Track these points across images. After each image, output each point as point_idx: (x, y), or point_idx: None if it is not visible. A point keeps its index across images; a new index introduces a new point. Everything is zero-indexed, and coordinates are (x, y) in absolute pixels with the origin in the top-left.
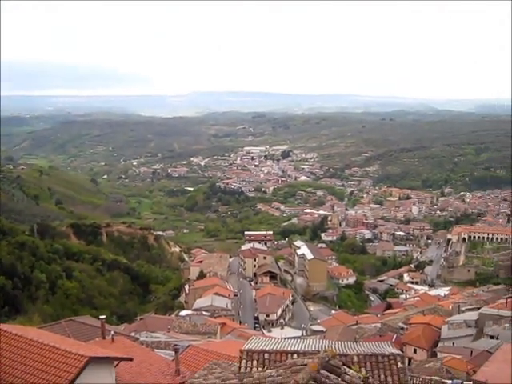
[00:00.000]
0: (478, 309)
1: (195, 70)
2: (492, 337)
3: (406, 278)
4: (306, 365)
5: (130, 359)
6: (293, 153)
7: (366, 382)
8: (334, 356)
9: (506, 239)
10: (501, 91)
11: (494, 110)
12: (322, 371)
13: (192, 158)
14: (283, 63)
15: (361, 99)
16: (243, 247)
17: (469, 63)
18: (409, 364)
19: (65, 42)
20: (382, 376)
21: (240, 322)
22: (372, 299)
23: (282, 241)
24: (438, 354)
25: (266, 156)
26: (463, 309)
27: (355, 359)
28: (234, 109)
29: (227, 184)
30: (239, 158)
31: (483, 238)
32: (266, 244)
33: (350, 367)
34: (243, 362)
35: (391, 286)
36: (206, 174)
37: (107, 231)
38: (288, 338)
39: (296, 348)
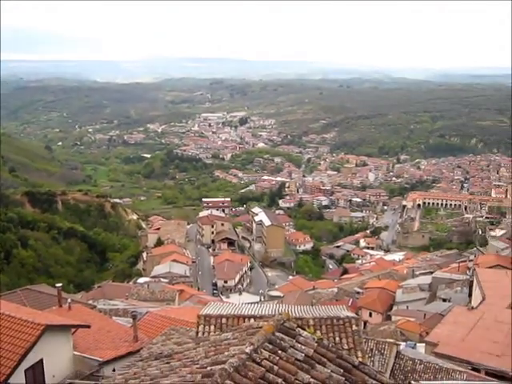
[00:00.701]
0: (432, 273)
1: (151, 35)
2: (444, 300)
3: (362, 243)
4: (261, 327)
5: (88, 326)
6: (250, 119)
7: (321, 344)
8: (289, 319)
9: (460, 205)
10: (457, 60)
11: (450, 78)
12: (276, 333)
13: (149, 125)
14: (241, 29)
15: (319, 66)
16: (201, 214)
17: (424, 32)
18: (364, 327)
19: (15, 4)
20: (337, 338)
21: (198, 289)
22: (329, 265)
23: (240, 208)
24: (393, 317)
25: (223, 123)
26: (417, 273)
27: (311, 322)
28: (191, 75)
29: (184, 151)
30: (197, 125)
31: (437, 204)
32: (223, 211)
33: (304, 329)
34: (201, 327)
35: (347, 251)
36: (163, 141)
37: (63, 199)
38: (246, 304)
39: (253, 312)
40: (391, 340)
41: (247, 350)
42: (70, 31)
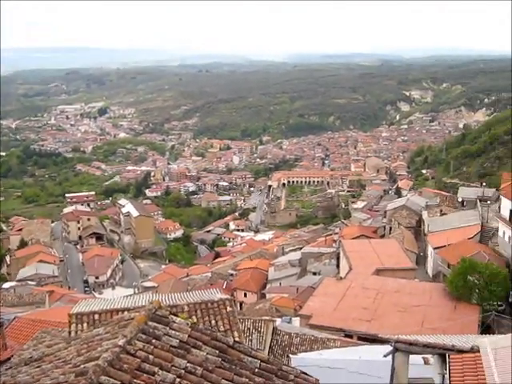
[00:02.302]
0: (301, 249)
1: None
2: (315, 273)
3: (232, 226)
4: (133, 319)
5: None
6: (110, 109)
7: (195, 328)
8: (160, 307)
9: (322, 182)
10: (310, 44)
11: (304, 59)
12: (149, 323)
13: (1, 121)
14: (96, 17)
15: (176, 52)
16: (65, 210)
17: (276, 17)
18: (240, 307)
19: None
20: (213, 321)
21: (69, 288)
22: (201, 250)
23: (106, 200)
24: (267, 295)
25: (81, 114)
26: (287, 250)
27: (185, 308)
28: (44, 66)
29: (42, 146)
30: (53, 118)
31: (301, 182)
32: (89, 205)
33: (177, 316)
34: (73, 325)
35: (218, 235)
36: (18, 137)
37: None
38: (119, 297)
39: (126, 305)
40: (267, 317)
41: (120, 343)
42: None
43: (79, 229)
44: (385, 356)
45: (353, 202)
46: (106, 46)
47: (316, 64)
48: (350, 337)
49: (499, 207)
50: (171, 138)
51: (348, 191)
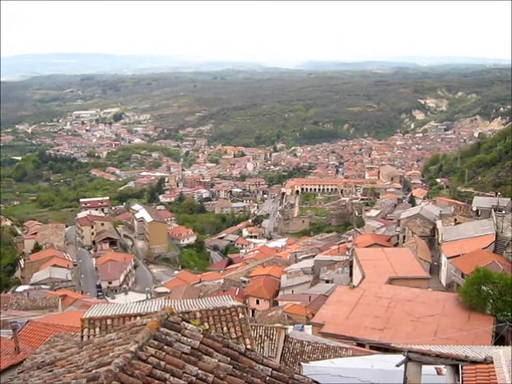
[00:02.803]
0: (314, 256)
1: (14, 32)
2: (327, 281)
3: (245, 232)
4: (145, 325)
5: None
6: (125, 115)
7: (207, 335)
8: (172, 313)
9: (336, 189)
10: (323, 51)
11: (318, 67)
12: (161, 329)
13: (17, 126)
14: (110, 23)
15: (190, 59)
16: (79, 215)
17: (291, 24)
18: (252, 314)
19: None
20: (225, 328)
21: (82, 292)
22: (214, 257)
23: (120, 206)
24: (280, 302)
25: (97, 120)
26: (300, 257)
27: (198, 315)
28: (60, 72)
29: (58, 151)
30: (69, 123)
31: (315, 189)
32: (103, 210)
33: (189, 322)
34: (85, 330)
35: (231, 241)
36: (34, 142)
37: None
38: (132, 303)
39: (139, 311)
40: (279, 325)
41: (132, 349)
42: None
43: (93, 234)
44: (397, 366)
45: (366, 210)
46: (121, 52)
47: (331, 71)
48: (363, 346)
49: None
50: (185, 145)
51: (362, 199)
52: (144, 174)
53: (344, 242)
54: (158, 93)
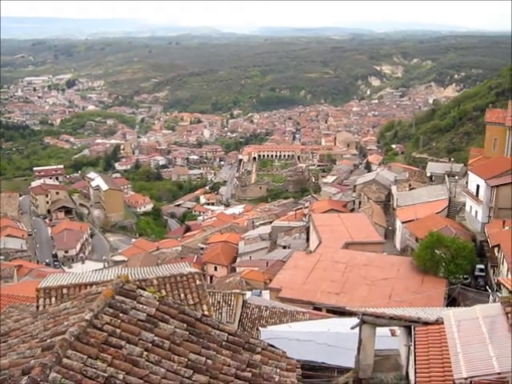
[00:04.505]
0: (271, 223)
1: None
2: (284, 247)
3: (203, 199)
4: (100, 293)
5: None
6: (78, 81)
7: (162, 302)
8: (128, 281)
9: (293, 156)
10: (283, 17)
11: (274, 33)
12: (116, 297)
13: None
14: None
15: (146, 23)
16: (33, 184)
17: None
18: (210, 281)
19: None
20: (182, 295)
21: (38, 262)
22: (171, 224)
23: (75, 174)
24: (237, 268)
25: (49, 86)
26: (257, 224)
27: (155, 282)
28: (9, 36)
29: (9, 118)
30: (20, 90)
31: (272, 156)
32: (57, 179)
33: (145, 290)
34: (41, 300)
35: (188, 209)
36: None
37: None
38: (89, 272)
39: (95, 279)
40: (237, 291)
41: (87, 317)
42: None
43: (48, 203)
44: (352, 328)
45: (323, 177)
46: (74, 16)
47: (287, 37)
48: (319, 310)
49: (467, 182)
50: (141, 111)
51: (318, 165)
52: (99, 141)
53: (301, 208)
54: (112, 58)
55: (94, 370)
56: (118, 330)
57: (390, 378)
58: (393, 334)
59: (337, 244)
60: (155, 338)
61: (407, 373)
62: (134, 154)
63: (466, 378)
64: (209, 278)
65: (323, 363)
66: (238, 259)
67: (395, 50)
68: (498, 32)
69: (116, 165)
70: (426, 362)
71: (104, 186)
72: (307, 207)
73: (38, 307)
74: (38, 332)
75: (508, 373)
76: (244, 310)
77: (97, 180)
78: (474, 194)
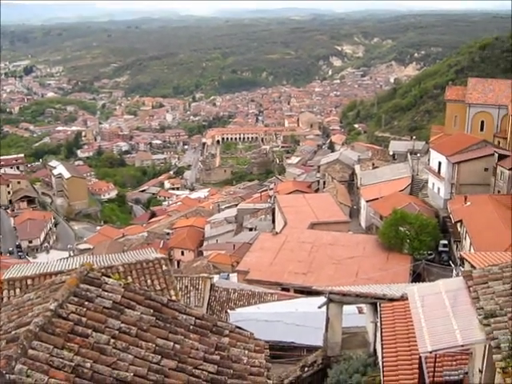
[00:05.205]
0: (236, 205)
1: None
2: (251, 229)
3: (167, 184)
4: (64, 282)
5: None
6: (36, 68)
7: (128, 288)
8: (92, 269)
9: (256, 138)
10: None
11: (234, 14)
12: (81, 285)
13: None
14: None
15: (103, 7)
16: None
17: None
18: (178, 266)
19: None
20: (149, 281)
21: (1, 253)
22: (136, 210)
23: (36, 163)
24: (204, 252)
25: (6, 73)
26: (223, 207)
27: (120, 269)
28: None
29: None
30: None
31: (235, 138)
32: (18, 168)
33: (110, 277)
34: (5, 292)
35: (153, 194)
36: None
37: None
38: (54, 261)
39: (60, 269)
40: (205, 274)
41: (52, 307)
42: None
43: (9, 193)
44: (319, 307)
45: (287, 158)
46: (29, 1)
47: (247, 19)
48: (287, 290)
49: (428, 160)
50: (102, 97)
51: (282, 147)
52: (60, 128)
53: (266, 190)
54: (70, 44)
55: (60, 360)
56: (84, 319)
57: (358, 354)
58: (360, 311)
59: (302, 224)
60: (122, 324)
61: (375, 349)
62: (95, 140)
63: (430, 352)
64: (176, 263)
65: (292, 343)
66: (205, 243)
67: (356, 30)
68: (456, 10)
69: (78, 152)
70: (393, 337)
71: (66, 174)
72: (272, 189)
73: (1, 299)
74: (2, 324)
75: (471, 344)
76: (212, 294)
77: (59, 168)
78: (436, 171)
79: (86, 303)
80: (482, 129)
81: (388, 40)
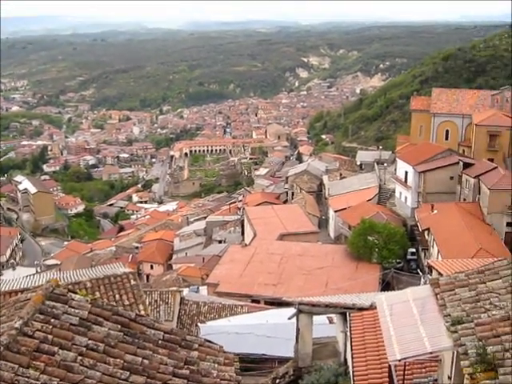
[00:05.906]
0: (205, 218)
1: None
2: (220, 241)
3: (135, 198)
4: (29, 299)
5: None
6: (0, 82)
7: (95, 304)
8: (58, 285)
9: (224, 150)
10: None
11: (200, 27)
12: (47, 302)
13: None
14: None
15: (68, 20)
16: None
17: None
18: (147, 280)
19: None
20: (117, 296)
21: None
22: (104, 224)
23: (1, 178)
24: (174, 265)
25: None
26: (192, 220)
27: (88, 285)
28: None
29: None
30: None
31: (203, 150)
32: None
33: (76, 293)
34: None
35: (121, 208)
36: None
37: None
38: (20, 278)
39: (25, 285)
40: (174, 288)
41: (16, 325)
42: None
43: None
44: (289, 318)
45: (255, 169)
46: None
47: (213, 31)
48: (257, 302)
49: (395, 169)
50: (68, 111)
51: (250, 158)
52: (25, 143)
53: (234, 202)
54: (35, 57)
55: (26, 379)
56: (50, 336)
57: (328, 364)
58: (331, 321)
59: (271, 236)
60: (89, 341)
61: (345, 358)
62: (62, 154)
63: (399, 360)
64: (145, 277)
65: (263, 355)
66: (174, 256)
67: (321, 42)
68: (420, 22)
69: (44, 166)
70: (362, 346)
71: (32, 189)
72: (241, 201)
73: None
74: None
75: (439, 351)
76: (182, 307)
77: (24, 183)
78: (403, 180)
79: (52, 320)
80: (446, 138)
81: (354, 51)
